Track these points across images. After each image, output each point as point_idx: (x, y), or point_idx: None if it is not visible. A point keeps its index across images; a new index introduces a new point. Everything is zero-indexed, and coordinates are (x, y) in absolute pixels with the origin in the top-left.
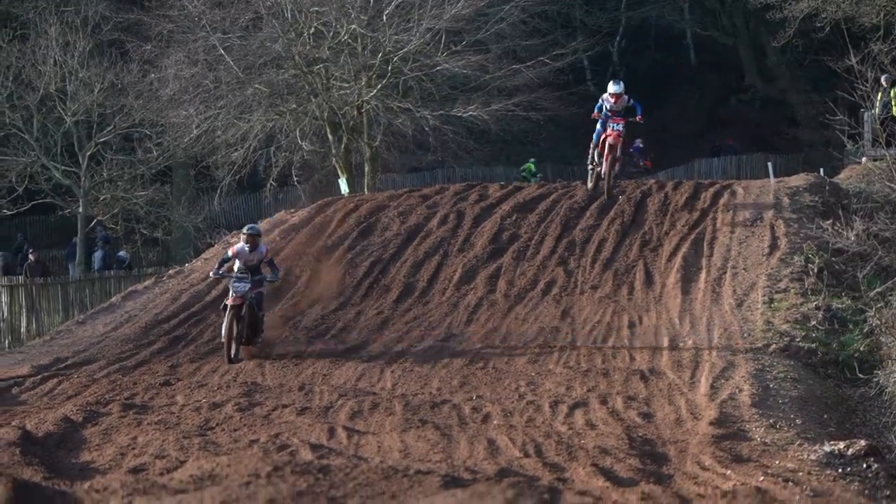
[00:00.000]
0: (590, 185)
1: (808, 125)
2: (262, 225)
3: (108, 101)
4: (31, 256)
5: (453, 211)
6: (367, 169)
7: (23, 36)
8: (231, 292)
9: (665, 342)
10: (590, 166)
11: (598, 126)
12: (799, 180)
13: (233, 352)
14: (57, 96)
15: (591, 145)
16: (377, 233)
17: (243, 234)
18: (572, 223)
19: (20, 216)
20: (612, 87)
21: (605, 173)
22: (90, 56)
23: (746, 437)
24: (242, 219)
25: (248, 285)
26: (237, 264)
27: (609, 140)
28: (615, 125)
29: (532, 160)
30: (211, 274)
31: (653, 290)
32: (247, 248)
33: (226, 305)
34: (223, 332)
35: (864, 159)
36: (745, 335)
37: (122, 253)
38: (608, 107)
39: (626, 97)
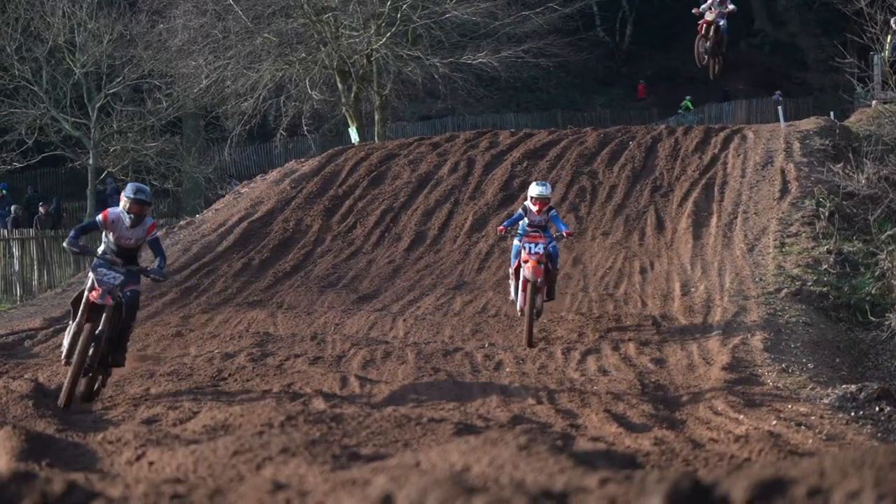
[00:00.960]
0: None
1: (818, 69)
2: (273, 174)
3: (117, 52)
4: (41, 209)
5: (464, 158)
6: (376, 117)
7: None
8: (92, 281)
9: (676, 288)
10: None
11: (515, 244)
12: (809, 124)
13: (75, 387)
14: (66, 48)
15: (510, 271)
16: (388, 181)
17: (127, 196)
18: (582, 169)
19: (30, 169)
20: (535, 190)
21: (523, 311)
22: (98, 7)
23: (759, 381)
24: (253, 169)
25: (121, 277)
26: (106, 239)
27: (526, 272)
28: (534, 246)
29: (688, 97)
30: (65, 245)
31: (664, 235)
32: (127, 220)
33: (79, 300)
34: (66, 343)
35: (874, 102)
36: (757, 280)
37: None
38: (529, 219)
39: (550, 205)
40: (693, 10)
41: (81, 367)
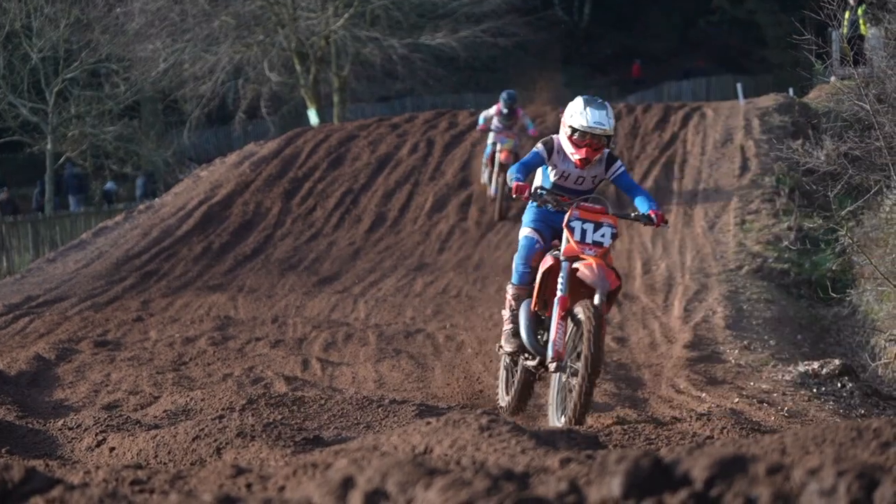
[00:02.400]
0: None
1: (777, 46)
2: (232, 157)
3: (74, 36)
4: (1, 195)
5: (423, 139)
6: (335, 99)
7: None
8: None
9: (638, 266)
10: (483, 180)
11: (490, 136)
12: (768, 101)
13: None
14: (22, 33)
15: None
16: (347, 163)
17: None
18: None
19: None
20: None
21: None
22: None
23: (721, 359)
24: (211, 152)
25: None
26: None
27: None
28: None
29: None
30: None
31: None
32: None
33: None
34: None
35: (832, 78)
36: (718, 257)
37: (110, 184)
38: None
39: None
40: (478, 127)
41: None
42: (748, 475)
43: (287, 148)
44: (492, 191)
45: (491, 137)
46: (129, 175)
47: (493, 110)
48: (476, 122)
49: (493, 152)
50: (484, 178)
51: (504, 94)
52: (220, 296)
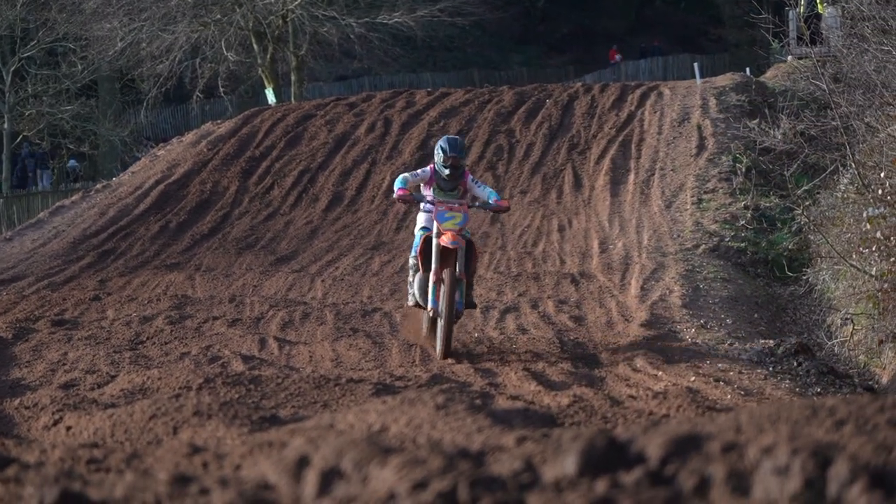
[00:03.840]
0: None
1: (734, 25)
2: (189, 136)
3: (30, 15)
4: None
5: (380, 118)
6: (293, 78)
7: None
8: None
9: (595, 245)
10: (411, 289)
11: (419, 220)
12: (725, 80)
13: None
14: None
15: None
16: (305, 142)
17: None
18: (500, 128)
19: None
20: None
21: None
22: None
23: (677, 337)
24: (169, 131)
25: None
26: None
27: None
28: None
29: None
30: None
31: (582, 193)
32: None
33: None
34: (416, 292)
35: (789, 58)
36: (675, 236)
37: (72, 162)
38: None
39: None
40: (396, 193)
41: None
42: (703, 453)
43: (244, 127)
44: (430, 306)
45: (420, 218)
46: (88, 154)
47: (421, 173)
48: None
49: (426, 239)
50: (411, 290)
51: (442, 142)
52: (178, 275)
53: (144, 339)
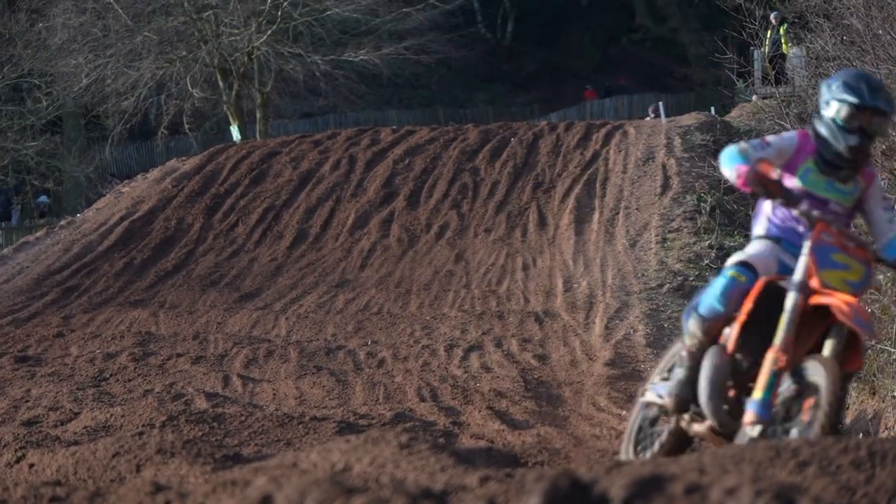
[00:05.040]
0: None
1: (699, 64)
2: (154, 173)
3: None
4: None
5: (345, 156)
6: (258, 115)
7: None
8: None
9: (559, 284)
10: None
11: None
12: (690, 119)
13: None
14: None
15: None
16: (269, 179)
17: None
18: (464, 166)
19: None
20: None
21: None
22: None
23: (641, 377)
24: (134, 168)
25: None
26: None
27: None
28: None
29: None
30: None
31: (546, 231)
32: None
33: None
34: None
35: (754, 97)
36: (639, 275)
37: (43, 197)
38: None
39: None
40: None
41: None
42: (665, 495)
43: (209, 164)
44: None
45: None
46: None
47: (773, 142)
48: None
49: (768, 284)
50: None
51: (848, 78)
52: (142, 311)
53: (108, 375)
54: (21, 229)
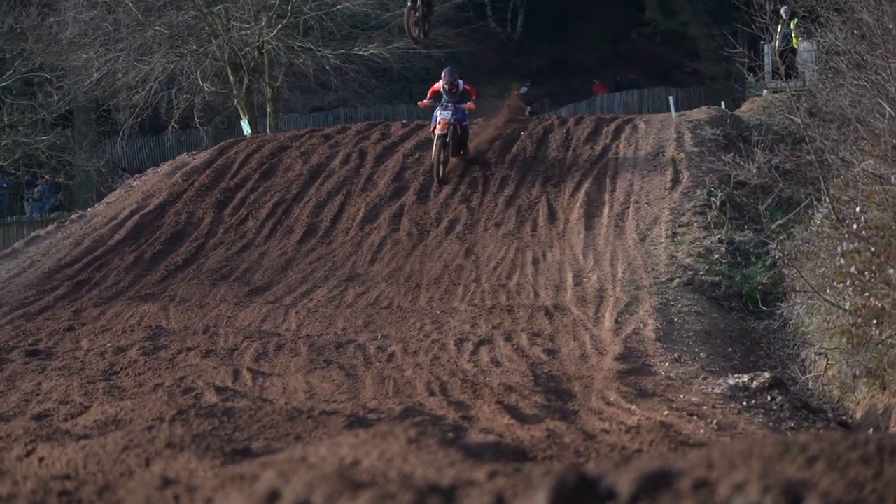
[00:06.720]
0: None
1: (709, 58)
2: (165, 167)
3: (7, 45)
4: None
5: (356, 150)
6: (268, 109)
7: None
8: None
9: (569, 278)
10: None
11: (434, 112)
12: (700, 114)
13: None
14: None
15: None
16: (280, 173)
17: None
18: (474, 160)
19: None
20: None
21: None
22: None
23: (651, 371)
24: (145, 162)
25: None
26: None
27: (437, 129)
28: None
29: None
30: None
31: (556, 226)
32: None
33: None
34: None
35: (764, 92)
36: (649, 269)
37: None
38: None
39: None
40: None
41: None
42: (673, 490)
43: (220, 158)
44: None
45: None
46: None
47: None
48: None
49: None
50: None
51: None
52: (152, 305)
53: (118, 369)
54: (31, 223)
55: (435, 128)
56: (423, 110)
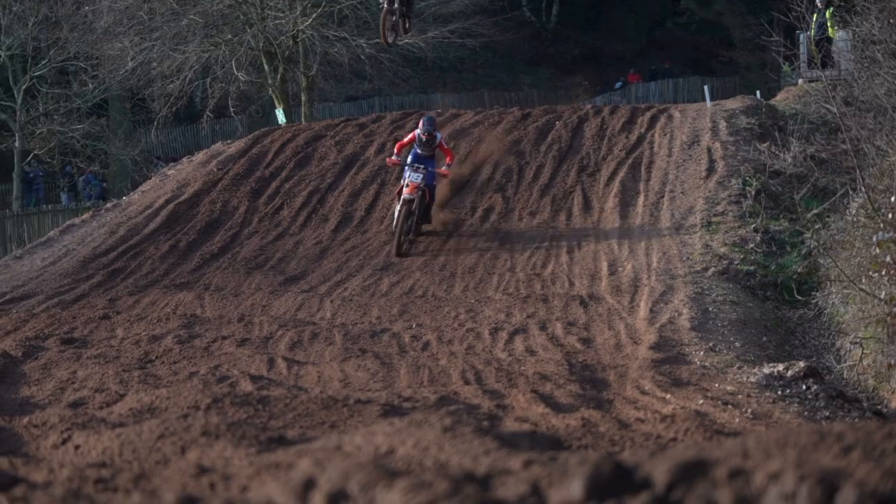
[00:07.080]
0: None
1: (745, 48)
2: (199, 156)
3: (42, 34)
4: None
5: (390, 139)
6: (303, 98)
7: None
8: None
9: (604, 267)
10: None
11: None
12: (735, 103)
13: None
14: None
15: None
16: (314, 162)
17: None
18: (509, 150)
19: None
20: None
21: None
22: None
23: (686, 360)
24: (179, 151)
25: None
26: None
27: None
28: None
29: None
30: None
31: (591, 215)
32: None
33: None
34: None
35: (799, 81)
36: (684, 259)
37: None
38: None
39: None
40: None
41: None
42: (709, 479)
43: (254, 147)
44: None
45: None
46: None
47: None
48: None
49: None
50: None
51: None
52: (187, 294)
53: (153, 358)
54: (66, 212)
55: (401, 189)
56: (459, 99)
